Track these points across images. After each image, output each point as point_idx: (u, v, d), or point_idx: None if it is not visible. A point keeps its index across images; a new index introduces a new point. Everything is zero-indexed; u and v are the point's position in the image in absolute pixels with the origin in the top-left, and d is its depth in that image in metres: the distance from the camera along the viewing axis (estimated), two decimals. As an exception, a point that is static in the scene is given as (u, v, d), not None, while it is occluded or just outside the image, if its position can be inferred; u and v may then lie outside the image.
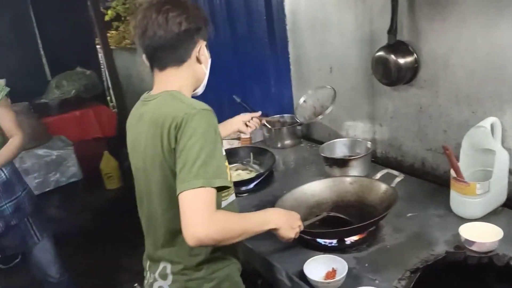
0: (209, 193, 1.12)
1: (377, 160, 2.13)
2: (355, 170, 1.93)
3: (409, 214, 1.67)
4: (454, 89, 1.71)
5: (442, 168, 1.86)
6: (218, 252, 1.31)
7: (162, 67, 1.30)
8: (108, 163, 4.47)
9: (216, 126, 1.20)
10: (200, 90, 1.40)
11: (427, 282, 1.33)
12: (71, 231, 3.71)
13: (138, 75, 4.53)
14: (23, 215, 2.25)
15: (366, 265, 1.42)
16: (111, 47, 5.09)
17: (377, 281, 1.33)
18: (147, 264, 1.42)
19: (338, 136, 2.31)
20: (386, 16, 1.80)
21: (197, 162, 1.12)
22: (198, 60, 1.32)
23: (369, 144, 2.04)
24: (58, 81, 4.55)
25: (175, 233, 1.27)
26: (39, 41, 4.81)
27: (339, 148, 2.11)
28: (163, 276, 1.32)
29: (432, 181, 1.88)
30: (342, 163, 1.95)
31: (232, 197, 1.36)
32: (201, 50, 1.30)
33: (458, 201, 1.58)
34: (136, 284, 1.43)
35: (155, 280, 1.34)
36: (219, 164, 1.16)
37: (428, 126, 1.86)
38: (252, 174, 2.10)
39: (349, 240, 1.52)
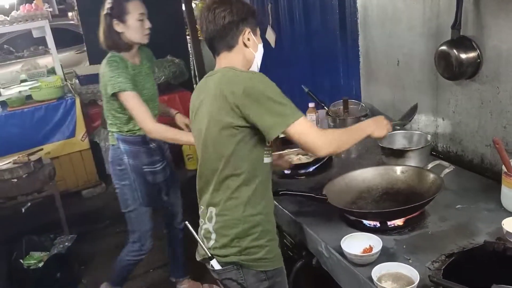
0: (307, 120, 1.49)
1: (438, 154, 2.15)
2: (412, 161, 1.98)
3: (458, 206, 1.71)
4: (516, 85, 1.71)
5: (500, 164, 1.84)
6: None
7: (217, 53, 1.61)
8: (189, 145, 4.82)
9: (274, 84, 1.49)
10: (254, 68, 1.65)
11: (462, 269, 1.39)
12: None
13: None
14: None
15: (404, 246, 1.50)
16: (200, 38, 5.44)
17: (410, 261, 1.41)
18: (200, 211, 1.69)
19: (401, 128, 2.35)
20: (452, 11, 1.83)
21: (283, 104, 1.44)
22: (245, 45, 1.59)
23: (428, 137, 2.07)
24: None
25: (222, 179, 1.54)
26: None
27: (398, 140, 2.16)
28: (209, 219, 1.60)
29: (490, 177, 1.88)
30: (399, 153, 2.01)
31: (270, 158, 1.61)
32: (246, 36, 1.58)
33: (508, 195, 1.60)
34: (186, 222, 1.69)
35: (204, 223, 1.63)
36: (292, 104, 1.48)
37: (488, 122, 1.86)
38: (311, 159, 2.23)
39: (392, 223, 1.60)
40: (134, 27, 2.24)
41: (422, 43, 2.10)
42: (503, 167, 1.60)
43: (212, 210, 1.59)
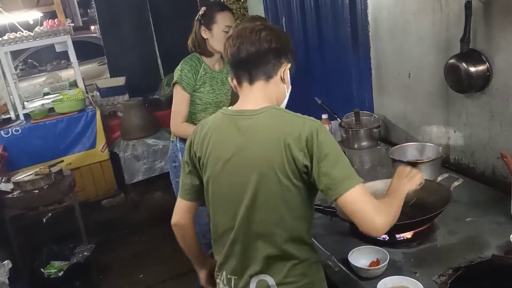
0: (364, 188, 1.28)
1: (450, 166, 2.15)
2: (424, 173, 1.96)
3: (468, 219, 1.70)
4: (526, 98, 1.70)
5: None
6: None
7: (251, 81, 1.39)
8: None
9: None
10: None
11: (469, 283, 1.39)
12: (169, 212, 4.16)
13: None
14: None
15: (412, 260, 1.51)
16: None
17: (417, 274, 1.42)
18: (225, 278, 1.44)
19: (414, 140, 2.36)
20: (461, 24, 1.84)
21: (342, 164, 1.27)
22: (283, 80, 1.41)
23: (440, 149, 2.07)
24: (169, 79, 5.08)
25: (294, 240, 1.35)
26: (155, 44, 5.39)
27: (410, 152, 2.17)
28: None
29: (501, 190, 1.87)
30: (411, 165, 2.00)
31: None
32: (286, 71, 1.41)
33: (517, 209, 1.59)
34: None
35: None
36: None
37: (499, 134, 1.86)
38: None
39: (400, 236, 1.61)
40: (218, 37, 2.36)
41: (432, 56, 2.12)
42: (512, 180, 1.59)
43: (267, 279, 1.36)
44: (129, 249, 3.74)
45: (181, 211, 1.56)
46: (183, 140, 2.46)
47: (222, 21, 2.37)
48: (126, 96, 4.90)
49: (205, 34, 2.38)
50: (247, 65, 1.38)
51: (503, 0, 1.70)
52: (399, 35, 2.30)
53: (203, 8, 2.42)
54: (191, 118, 2.47)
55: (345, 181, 1.25)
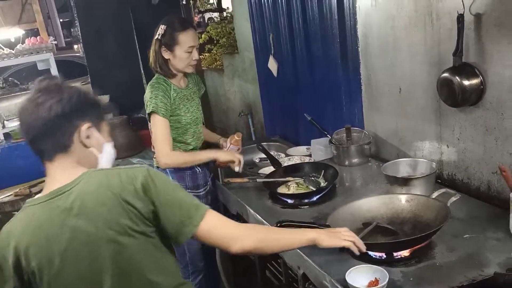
0: (214, 212, 1.31)
1: (444, 182, 2.11)
2: (417, 189, 1.94)
3: (466, 235, 1.66)
4: (520, 111, 1.68)
5: (508, 192, 1.80)
6: None
7: (50, 158, 1.23)
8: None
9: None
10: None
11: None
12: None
13: (225, 94, 4.83)
14: None
15: (411, 279, 1.45)
16: (203, 67, 5.49)
17: (418, 294, 1.36)
18: None
19: (406, 156, 2.32)
20: (453, 38, 1.83)
21: (187, 199, 1.27)
22: (84, 145, 1.25)
23: (433, 164, 2.04)
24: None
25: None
26: (140, 62, 5.34)
27: (403, 168, 2.13)
28: None
29: (497, 205, 1.84)
30: (403, 182, 1.97)
31: None
32: (83, 133, 1.24)
33: (517, 224, 1.55)
34: None
35: None
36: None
37: (493, 149, 1.83)
38: (309, 189, 2.21)
39: (398, 254, 1.55)
40: (181, 57, 2.28)
41: (423, 71, 2.10)
42: (511, 195, 1.56)
43: None
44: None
45: None
46: (175, 171, 2.36)
47: (185, 42, 2.26)
48: (110, 115, 4.80)
49: (166, 54, 2.28)
50: (38, 143, 1.22)
51: (495, 12, 1.69)
52: (390, 50, 2.29)
53: (163, 27, 2.28)
54: (175, 145, 2.37)
55: (196, 211, 1.26)
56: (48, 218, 1.18)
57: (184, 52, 2.26)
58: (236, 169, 2.37)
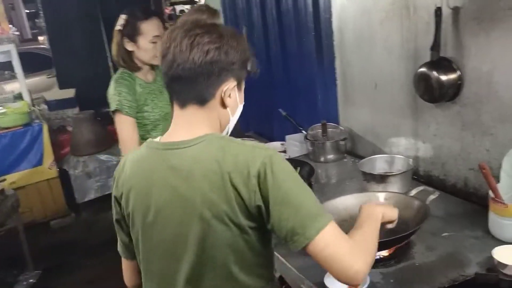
0: (334, 225, 1.04)
1: (419, 178, 2.08)
2: (394, 186, 1.91)
3: (445, 234, 1.63)
4: (499, 107, 1.66)
5: (485, 188, 1.77)
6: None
7: (181, 104, 1.11)
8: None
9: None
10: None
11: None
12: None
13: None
14: None
15: (392, 280, 1.41)
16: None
17: (399, 297, 1.31)
18: None
19: (382, 152, 2.29)
20: (430, 32, 1.79)
21: (307, 201, 1.03)
22: (223, 103, 1.11)
23: (410, 161, 2.00)
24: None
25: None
26: (108, 55, 5.16)
27: (379, 164, 2.09)
28: None
29: (474, 202, 1.82)
30: (380, 179, 1.93)
31: None
32: (228, 91, 1.10)
33: (496, 222, 1.53)
34: None
35: None
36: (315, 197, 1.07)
37: (470, 145, 1.81)
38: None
39: (377, 255, 1.50)
40: (146, 48, 2.11)
41: (400, 65, 2.06)
42: (490, 193, 1.53)
43: None
44: (83, 274, 3.45)
45: (128, 272, 1.35)
46: None
47: (149, 31, 2.08)
48: (76, 109, 4.64)
49: (129, 46, 2.10)
50: (175, 83, 1.09)
51: (473, 6, 1.65)
52: (365, 44, 2.24)
53: (124, 17, 2.11)
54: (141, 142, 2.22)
55: (313, 221, 1.01)
56: (156, 170, 1.10)
57: (148, 43, 2.10)
58: None
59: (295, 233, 1.01)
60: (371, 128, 2.37)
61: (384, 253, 1.51)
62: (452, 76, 1.76)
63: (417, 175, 2.09)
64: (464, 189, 1.89)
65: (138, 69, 2.17)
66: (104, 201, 4.34)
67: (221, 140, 1.08)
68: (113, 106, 2.09)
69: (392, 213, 1.30)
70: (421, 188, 1.71)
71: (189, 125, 1.11)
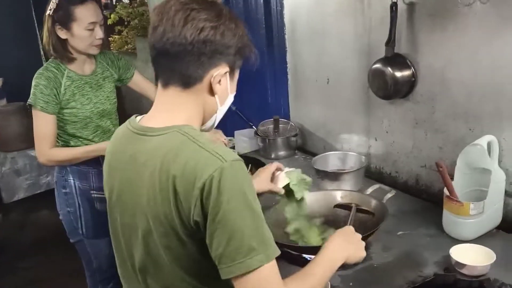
0: (274, 266, 0.91)
1: (370, 175, 2.06)
2: (348, 184, 1.87)
3: (400, 232, 1.61)
4: (451, 104, 1.66)
5: (437, 186, 1.79)
6: None
7: (164, 83, 1.01)
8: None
9: (250, 179, 0.97)
10: (206, 127, 1.10)
11: (414, 305, 1.27)
12: (59, 233, 3.65)
13: (138, 80, 4.51)
14: None
15: (351, 284, 1.35)
16: (113, 51, 5.09)
17: (360, 301, 1.26)
18: None
19: (333, 148, 2.26)
20: (385, 27, 1.76)
21: (246, 233, 0.88)
22: (211, 90, 1.01)
23: (363, 158, 1.98)
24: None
25: None
26: (40, 44, 4.79)
27: (332, 161, 2.06)
28: None
29: (426, 199, 1.82)
30: (334, 176, 1.89)
31: None
32: (218, 77, 0.99)
33: (451, 221, 1.52)
34: None
35: None
36: (266, 227, 0.93)
37: (423, 142, 1.80)
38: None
39: (335, 256, 1.45)
40: (81, 36, 1.87)
41: (353, 61, 2.02)
42: (445, 190, 1.52)
43: None
44: (15, 278, 3.16)
45: None
46: (75, 171, 2.01)
47: (84, 17, 1.85)
48: (4, 101, 4.26)
49: (62, 34, 1.86)
50: (161, 58, 0.99)
51: (429, 2, 1.64)
52: (318, 38, 2.19)
53: (54, 0, 1.86)
54: (69, 141, 1.98)
55: (244, 257, 0.87)
56: (123, 153, 1.05)
57: (84, 30, 1.87)
58: None
59: (222, 262, 0.90)
60: (322, 124, 2.33)
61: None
62: (407, 72, 1.75)
63: (368, 172, 2.07)
64: (416, 186, 1.89)
65: (71, 59, 1.93)
66: (36, 200, 4.04)
67: (182, 137, 0.96)
68: (30, 100, 1.87)
69: (358, 258, 1.19)
70: (377, 186, 1.68)
71: (167, 109, 1.02)
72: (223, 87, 1.02)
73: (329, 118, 2.27)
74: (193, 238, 0.95)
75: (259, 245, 0.89)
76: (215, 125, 1.12)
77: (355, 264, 1.26)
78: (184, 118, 1.01)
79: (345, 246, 1.15)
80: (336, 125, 2.23)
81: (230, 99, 1.09)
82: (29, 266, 3.30)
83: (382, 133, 1.98)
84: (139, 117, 1.10)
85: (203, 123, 1.08)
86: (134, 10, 4.55)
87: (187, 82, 0.99)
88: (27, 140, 3.96)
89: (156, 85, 1.05)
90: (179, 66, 0.98)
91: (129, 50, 4.79)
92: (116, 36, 5.00)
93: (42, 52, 4.80)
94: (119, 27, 4.92)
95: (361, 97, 2.03)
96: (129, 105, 4.83)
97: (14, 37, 4.60)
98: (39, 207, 4.04)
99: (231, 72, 1.04)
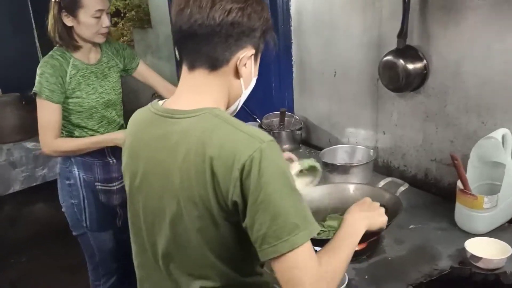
0: (310, 245, 0.90)
1: (377, 169, 2.04)
2: (356, 177, 1.85)
3: (411, 226, 1.59)
4: (464, 98, 1.64)
5: (446, 180, 1.79)
6: None
7: (190, 66, 1.00)
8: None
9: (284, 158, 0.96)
10: (229, 112, 1.08)
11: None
12: (54, 227, 3.59)
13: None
14: None
15: (366, 277, 1.34)
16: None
17: (378, 295, 1.25)
18: None
19: (339, 142, 2.24)
20: (395, 20, 1.74)
21: (289, 209, 0.88)
22: (236, 72, 1.00)
23: (371, 152, 1.96)
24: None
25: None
26: (35, 34, 4.71)
27: (340, 155, 2.04)
28: None
29: (434, 193, 1.81)
30: (343, 169, 1.87)
31: None
32: (245, 59, 0.99)
33: (464, 214, 1.51)
34: None
35: None
36: (306, 204, 0.93)
37: (433, 136, 1.79)
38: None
39: (348, 249, 1.43)
40: (87, 24, 1.83)
41: (362, 53, 2.00)
42: (459, 184, 1.51)
43: None
44: (6, 274, 3.10)
45: None
46: (79, 162, 1.98)
47: (91, 4, 1.82)
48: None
49: (68, 21, 1.83)
50: (188, 41, 0.97)
51: (443, -6, 1.62)
52: (326, 30, 2.16)
53: None
54: (73, 131, 1.94)
55: (289, 234, 0.87)
56: (148, 135, 1.03)
57: (90, 18, 1.82)
58: None
59: (266, 242, 0.88)
60: (327, 117, 2.31)
61: (356, 247, 1.43)
62: (419, 65, 1.73)
63: (375, 166, 2.05)
64: (425, 180, 1.88)
65: (77, 47, 1.89)
66: (30, 193, 3.97)
67: (215, 119, 0.95)
68: (35, 88, 1.83)
69: (380, 223, 1.18)
70: (389, 179, 1.66)
71: (193, 91, 1.01)
72: (248, 70, 1.02)
73: (335, 111, 2.25)
74: (228, 220, 0.94)
75: (302, 222, 0.89)
76: (238, 110, 1.10)
77: (379, 232, 1.23)
78: (211, 101, 1.00)
79: (364, 214, 1.14)
80: (342, 118, 2.21)
81: (253, 82, 1.08)
82: (18, 263, 3.24)
83: (391, 126, 1.97)
84: (161, 101, 1.07)
85: (227, 107, 1.06)
86: (131, 2, 4.48)
87: (214, 64, 0.98)
88: (23, 131, 3.91)
89: (180, 68, 1.03)
90: (206, 48, 0.97)
91: (126, 42, 4.71)
92: (112, 28, 4.93)
93: (37, 44, 4.72)
94: (115, 19, 4.83)
95: (369, 90, 2.01)
96: (126, 98, 4.77)
97: (9, 27, 4.51)
98: (35, 200, 3.98)
99: (255, 55, 1.03)
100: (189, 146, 0.93)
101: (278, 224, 0.87)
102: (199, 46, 0.97)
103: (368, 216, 1.14)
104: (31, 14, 4.65)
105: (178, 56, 1.04)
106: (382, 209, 1.21)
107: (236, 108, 1.10)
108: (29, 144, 3.90)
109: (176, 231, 0.99)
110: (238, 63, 0.99)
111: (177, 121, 0.98)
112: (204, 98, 1.00)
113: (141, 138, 1.05)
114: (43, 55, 4.93)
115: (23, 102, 4.03)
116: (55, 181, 2.10)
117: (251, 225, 0.90)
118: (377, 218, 1.17)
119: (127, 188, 1.11)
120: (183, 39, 0.98)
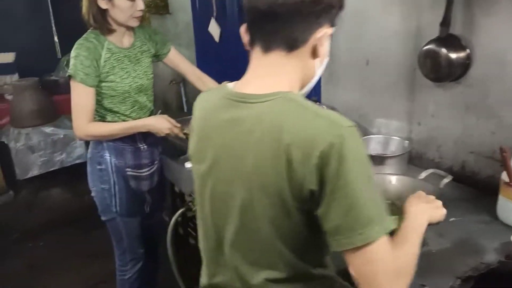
0: (386, 240, 0.87)
1: (411, 160, 2.01)
2: (391, 168, 1.82)
3: (452, 219, 1.55)
4: (508, 88, 1.60)
5: (484, 172, 1.75)
6: None
7: (266, 47, 0.95)
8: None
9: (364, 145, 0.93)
10: (303, 92, 1.03)
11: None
12: (73, 213, 3.60)
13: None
14: None
15: (413, 269, 1.31)
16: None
17: (426, 287, 1.22)
18: None
19: (368, 133, 2.20)
20: (436, 8, 1.70)
21: (368, 200, 0.85)
22: (314, 52, 0.95)
23: (406, 143, 1.93)
24: (69, 59, 4.44)
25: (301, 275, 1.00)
26: (52, 19, 4.67)
27: (372, 145, 2.01)
28: None
29: (471, 186, 1.78)
30: (378, 160, 1.84)
31: None
32: (323, 38, 0.94)
33: (508, 208, 1.48)
34: None
35: None
36: (382, 197, 0.89)
37: (473, 128, 1.75)
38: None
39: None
40: (122, 7, 1.80)
41: (398, 41, 1.96)
42: (504, 176, 1.47)
43: None
44: (23, 259, 3.11)
45: None
46: (111, 147, 1.96)
47: None
48: (16, 76, 4.16)
49: (103, 4, 1.81)
50: (264, 22, 0.92)
51: (491, -18, 1.57)
52: (358, 18, 2.11)
53: None
54: (105, 116, 1.93)
55: (364, 228, 0.84)
56: (218, 119, 1.00)
57: (125, 1, 1.80)
58: (180, 135, 1.97)
59: (339, 233, 0.86)
60: (356, 107, 2.27)
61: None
62: (462, 54, 1.69)
63: (409, 157, 2.02)
64: (461, 172, 1.84)
65: (111, 31, 1.86)
66: (48, 178, 3.97)
67: (290, 103, 0.91)
68: (69, 71, 1.81)
69: (440, 216, 1.15)
70: (430, 171, 1.63)
71: (267, 74, 0.96)
72: (325, 49, 0.98)
73: (365, 101, 2.21)
74: (300, 208, 0.91)
75: (377, 216, 0.85)
76: (309, 92, 1.06)
77: (438, 223, 1.19)
78: (286, 84, 0.96)
79: (424, 207, 1.11)
80: (373, 108, 2.17)
81: (325, 64, 1.03)
82: (34, 248, 3.25)
83: (427, 117, 1.93)
84: (230, 84, 1.04)
85: (301, 89, 1.01)
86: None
87: (292, 44, 0.94)
88: (41, 116, 3.89)
89: (251, 46, 0.99)
90: (285, 28, 0.92)
91: (142, 29, 4.69)
92: (147, 13, 4.88)
93: (54, 28, 4.69)
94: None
95: (405, 80, 1.97)
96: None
97: (26, 12, 4.48)
98: (51, 185, 3.98)
99: (331, 35, 0.98)
100: (264, 132, 0.90)
101: (353, 215, 0.84)
102: (278, 26, 0.92)
103: (428, 210, 1.11)
104: (49, 1, 4.61)
105: (248, 38, 0.99)
106: (440, 202, 1.17)
107: (309, 90, 1.05)
108: (48, 129, 3.88)
109: (245, 218, 0.97)
110: (317, 42, 0.94)
111: (250, 106, 0.94)
112: (279, 80, 0.95)
113: (212, 123, 1.02)
114: (60, 43, 4.93)
115: (41, 87, 4.01)
116: (73, 166, 2.09)
117: (326, 214, 0.87)
118: (437, 211, 1.14)
119: (195, 172, 1.09)
120: (259, 19, 0.93)
